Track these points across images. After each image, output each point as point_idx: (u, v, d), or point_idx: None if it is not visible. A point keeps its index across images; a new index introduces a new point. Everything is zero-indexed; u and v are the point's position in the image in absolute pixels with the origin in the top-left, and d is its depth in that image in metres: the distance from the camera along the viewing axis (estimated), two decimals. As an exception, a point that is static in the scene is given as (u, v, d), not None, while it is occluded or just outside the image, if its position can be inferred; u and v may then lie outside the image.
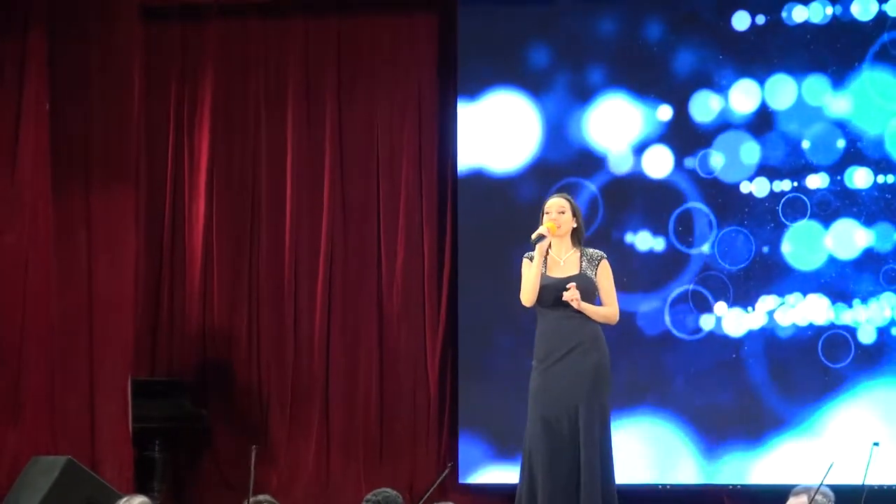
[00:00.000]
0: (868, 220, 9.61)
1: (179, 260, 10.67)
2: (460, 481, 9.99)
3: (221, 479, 10.39)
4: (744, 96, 9.75)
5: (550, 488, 6.84)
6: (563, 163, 9.94)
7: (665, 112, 9.85)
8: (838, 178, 9.64)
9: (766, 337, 9.66)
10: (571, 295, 6.92)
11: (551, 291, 6.99)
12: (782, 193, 9.70)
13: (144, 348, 10.56)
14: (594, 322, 7.00)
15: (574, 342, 6.96)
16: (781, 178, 9.70)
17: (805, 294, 9.64)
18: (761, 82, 9.72)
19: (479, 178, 10.05)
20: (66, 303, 10.00)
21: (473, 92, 10.08)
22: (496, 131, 10.05)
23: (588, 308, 6.97)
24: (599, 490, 6.84)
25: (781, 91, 9.69)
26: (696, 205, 9.80)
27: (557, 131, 9.98)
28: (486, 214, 9.99)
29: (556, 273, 7.05)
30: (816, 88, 9.66)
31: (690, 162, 9.83)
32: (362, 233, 10.49)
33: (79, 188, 10.16)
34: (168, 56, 10.75)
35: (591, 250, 7.09)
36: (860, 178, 9.61)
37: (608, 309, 7.06)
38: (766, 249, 9.71)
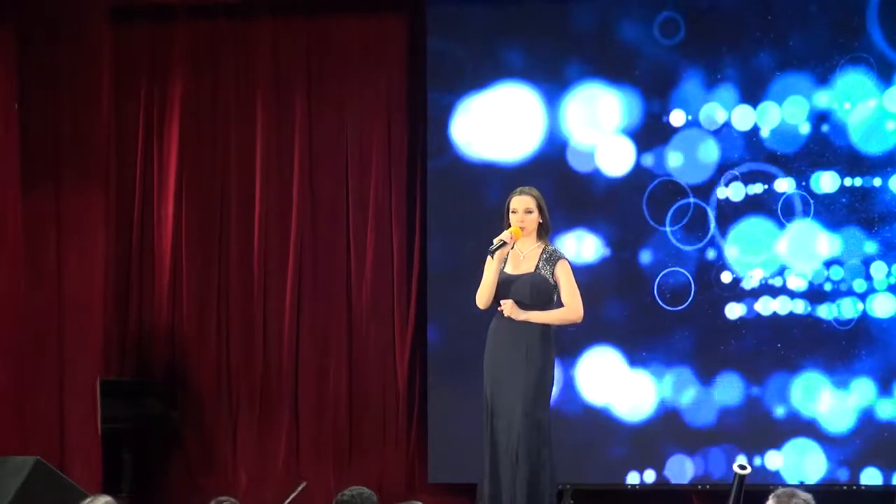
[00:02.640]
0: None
1: (149, 260, 10.65)
2: (430, 480, 10.02)
3: (190, 479, 10.39)
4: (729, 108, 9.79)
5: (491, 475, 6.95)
6: (537, 160, 9.96)
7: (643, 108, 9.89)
8: (803, 183, 9.70)
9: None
10: (507, 311, 6.96)
11: (506, 287, 7.03)
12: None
13: (113, 348, 10.54)
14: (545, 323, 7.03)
15: (522, 344, 6.99)
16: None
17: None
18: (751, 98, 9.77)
19: (450, 177, 10.07)
20: (35, 303, 9.99)
21: (445, 90, 10.09)
22: (469, 128, 10.06)
23: (534, 316, 6.98)
24: (540, 485, 6.89)
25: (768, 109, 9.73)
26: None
27: (529, 128, 9.99)
28: (456, 213, 10.00)
29: (514, 269, 7.07)
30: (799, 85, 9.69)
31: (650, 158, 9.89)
32: (332, 233, 10.49)
33: (48, 188, 10.15)
34: (137, 56, 10.72)
35: (552, 248, 7.12)
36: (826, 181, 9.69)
37: (563, 310, 7.07)
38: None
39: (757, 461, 9.45)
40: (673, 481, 9.65)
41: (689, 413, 9.66)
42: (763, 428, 9.53)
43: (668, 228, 9.75)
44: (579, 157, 9.93)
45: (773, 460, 9.49)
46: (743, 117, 9.71)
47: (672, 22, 9.82)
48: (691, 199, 9.73)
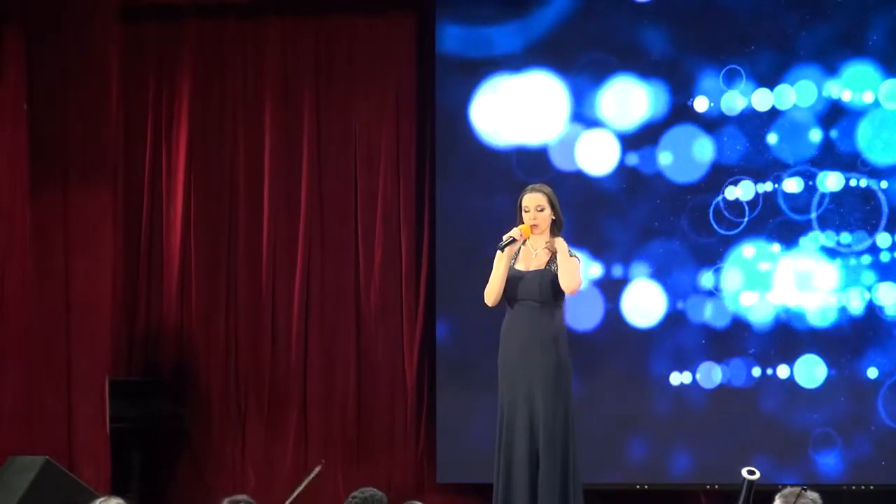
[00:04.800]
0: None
1: (157, 260, 10.65)
2: (438, 481, 10.01)
3: (199, 479, 10.39)
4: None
5: (511, 477, 6.92)
6: (547, 156, 9.96)
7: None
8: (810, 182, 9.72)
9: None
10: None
11: (515, 284, 7.02)
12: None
13: (122, 348, 10.55)
14: (558, 319, 7.01)
15: (536, 338, 6.97)
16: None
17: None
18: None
19: (459, 174, 10.07)
20: (43, 303, 9.98)
21: (454, 87, 10.09)
22: (479, 125, 10.05)
23: (566, 260, 6.96)
24: (558, 485, 6.86)
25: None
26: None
27: (542, 122, 9.98)
28: (465, 211, 9.99)
29: (525, 266, 7.06)
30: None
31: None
32: (340, 232, 10.49)
33: (56, 188, 10.14)
34: (146, 56, 10.72)
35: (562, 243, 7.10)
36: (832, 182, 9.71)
37: (572, 265, 7.02)
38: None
39: (769, 371, 9.69)
40: (704, 386, 9.72)
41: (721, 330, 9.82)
42: (782, 344, 9.71)
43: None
44: (589, 150, 9.93)
45: (783, 371, 9.70)
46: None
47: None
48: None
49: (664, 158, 9.86)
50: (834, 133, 9.67)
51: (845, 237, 9.64)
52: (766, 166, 9.75)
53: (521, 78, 10.02)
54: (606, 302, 9.84)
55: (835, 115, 9.68)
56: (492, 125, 10.06)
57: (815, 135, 9.69)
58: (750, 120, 9.76)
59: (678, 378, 9.76)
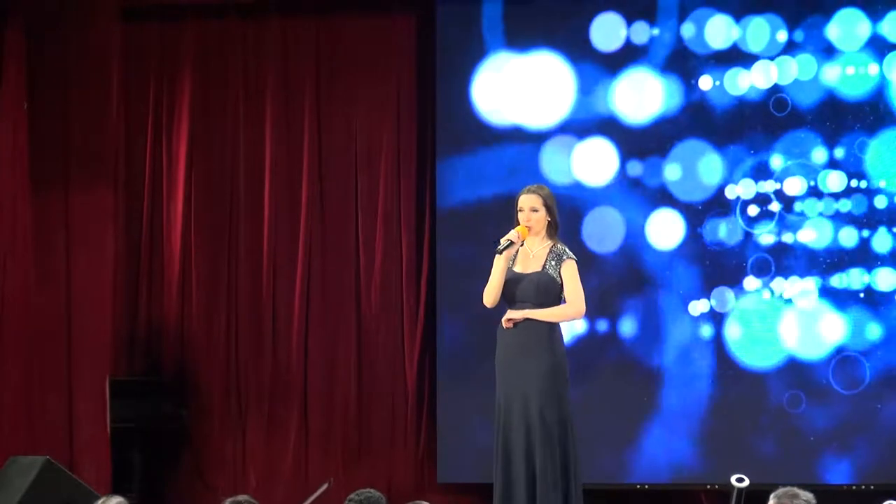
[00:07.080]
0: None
1: (158, 259, 10.66)
2: (439, 481, 10.02)
3: (200, 478, 10.40)
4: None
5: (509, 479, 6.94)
6: (548, 155, 9.96)
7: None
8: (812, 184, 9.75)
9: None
10: (505, 325, 6.99)
11: (513, 286, 7.04)
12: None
13: (123, 348, 10.55)
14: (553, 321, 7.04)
15: (531, 343, 6.98)
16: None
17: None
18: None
19: (459, 174, 10.07)
20: (44, 302, 9.99)
21: (454, 85, 10.10)
22: (482, 122, 10.07)
23: (538, 314, 6.98)
24: (558, 484, 6.87)
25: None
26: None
27: (543, 118, 9.99)
28: (465, 214, 9.99)
29: (523, 268, 7.07)
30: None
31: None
32: (341, 233, 10.50)
33: (57, 188, 10.16)
34: (146, 56, 10.73)
35: (560, 247, 7.11)
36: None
37: (565, 307, 7.05)
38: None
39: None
40: (718, 310, 9.74)
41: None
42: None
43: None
44: (589, 146, 9.95)
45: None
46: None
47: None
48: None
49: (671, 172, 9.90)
50: (839, 152, 9.67)
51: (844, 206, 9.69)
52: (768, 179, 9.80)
53: (522, 74, 10.02)
54: (628, 225, 9.92)
55: (838, 118, 9.70)
56: (494, 115, 10.05)
57: (820, 154, 9.70)
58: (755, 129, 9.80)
59: (697, 307, 9.81)
